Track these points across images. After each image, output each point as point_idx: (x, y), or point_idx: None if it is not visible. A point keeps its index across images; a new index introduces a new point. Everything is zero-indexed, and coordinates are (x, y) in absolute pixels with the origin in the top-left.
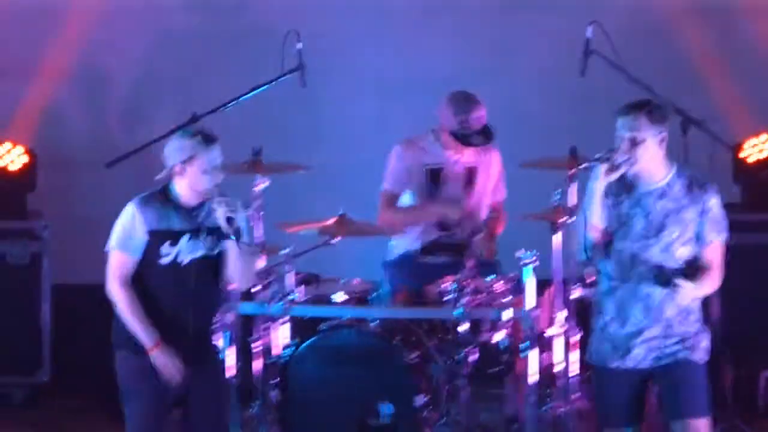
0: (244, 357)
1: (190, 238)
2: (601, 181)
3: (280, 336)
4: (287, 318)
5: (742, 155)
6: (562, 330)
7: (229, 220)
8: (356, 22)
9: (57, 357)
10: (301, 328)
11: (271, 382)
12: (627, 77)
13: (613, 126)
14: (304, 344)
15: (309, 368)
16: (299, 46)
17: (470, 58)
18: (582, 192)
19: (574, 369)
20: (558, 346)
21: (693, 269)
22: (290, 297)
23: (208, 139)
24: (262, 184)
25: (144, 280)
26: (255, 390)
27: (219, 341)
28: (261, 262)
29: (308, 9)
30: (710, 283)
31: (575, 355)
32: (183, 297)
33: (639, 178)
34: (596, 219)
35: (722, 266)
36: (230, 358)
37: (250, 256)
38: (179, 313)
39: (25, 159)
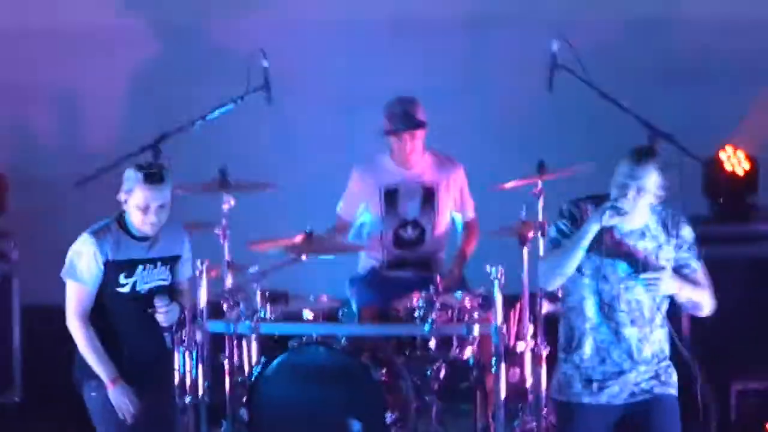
0: (213, 375)
1: (144, 268)
2: (602, 224)
3: (249, 354)
4: (256, 336)
5: (713, 169)
6: (530, 345)
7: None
8: (322, 41)
9: (28, 378)
10: (270, 346)
11: (241, 400)
12: (594, 91)
13: (580, 139)
14: (273, 362)
15: (278, 386)
16: (265, 64)
17: (436, 75)
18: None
19: (544, 384)
20: (527, 361)
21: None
22: (258, 315)
23: (150, 178)
24: (228, 203)
25: (106, 310)
26: (224, 408)
27: (187, 360)
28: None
29: (274, 27)
30: (698, 294)
31: (544, 371)
32: (145, 325)
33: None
34: (577, 262)
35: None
36: (199, 377)
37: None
38: (140, 342)
39: None
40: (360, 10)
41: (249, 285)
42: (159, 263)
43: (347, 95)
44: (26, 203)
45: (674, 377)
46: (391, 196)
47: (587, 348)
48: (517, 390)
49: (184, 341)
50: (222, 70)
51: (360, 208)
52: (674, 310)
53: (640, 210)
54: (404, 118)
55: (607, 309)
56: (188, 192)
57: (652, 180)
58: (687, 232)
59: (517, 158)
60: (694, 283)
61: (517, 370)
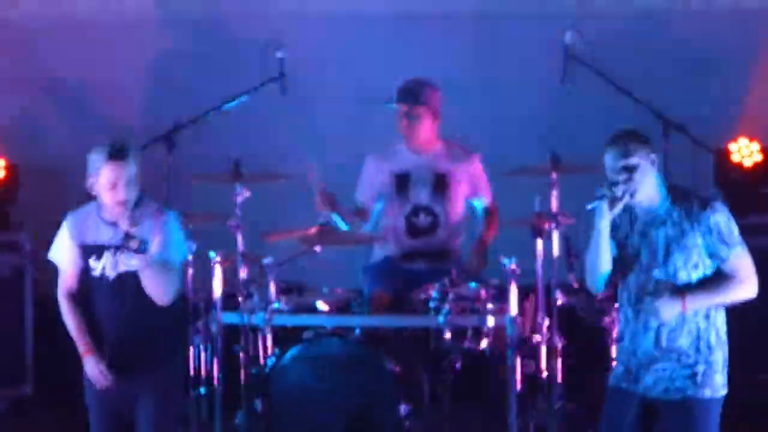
0: (228, 367)
1: (114, 253)
2: (606, 218)
3: (264, 346)
4: (270, 327)
5: (725, 160)
6: (545, 337)
7: (127, 235)
8: (336, 32)
9: (40, 369)
10: (285, 337)
11: (255, 391)
12: (607, 82)
13: (593, 130)
14: (288, 353)
15: (292, 377)
16: (280, 55)
17: (450, 66)
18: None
19: (559, 376)
20: (542, 353)
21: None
22: (273, 306)
23: (114, 153)
24: (242, 194)
25: (86, 293)
26: (239, 399)
27: (201, 351)
28: (168, 277)
29: (289, 19)
30: (720, 297)
31: (559, 362)
32: (111, 311)
33: (640, 208)
34: (606, 255)
35: (750, 275)
36: (214, 368)
37: (152, 270)
38: (105, 327)
39: (7, 171)
40: (374, 2)
41: (263, 276)
42: (128, 249)
43: (361, 86)
44: (38, 195)
45: (716, 379)
46: (402, 182)
47: (626, 338)
48: (531, 382)
49: (198, 332)
50: (237, 60)
51: (376, 195)
52: None
53: (646, 188)
54: (403, 92)
55: (635, 299)
56: (202, 183)
57: (634, 153)
58: (716, 218)
59: (530, 150)
60: (717, 280)
61: (532, 362)
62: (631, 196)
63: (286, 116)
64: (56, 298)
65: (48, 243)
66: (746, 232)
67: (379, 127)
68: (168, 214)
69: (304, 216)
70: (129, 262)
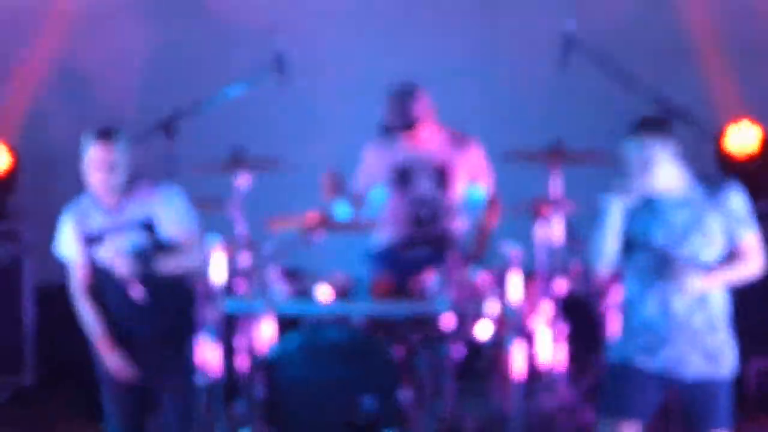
0: (228, 354)
1: (113, 238)
2: (618, 210)
3: (264, 333)
4: (270, 315)
5: (726, 145)
6: (547, 323)
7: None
8: (336, 19)
9: (41, 358)
10: (285, 324)
11: (256, 379)
12: (608, 70)
13: (595, 117)
14: (288, 341)
15: (293, 365)
16: (279, 43)
17: (452, 55)
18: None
19: (561, 362)
20: (544, 339)
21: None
22: (273, 294)
23: (100, 135)
24: (243, 181)
25: (95, 281)
26: (239, 387)
27: (203, 339)
28: (191, 248)
29: (289, 7)
30: (734, 274)
31: (562, 349)
32: (122, 296)
33: (656, 192)
34: (615, 237)
35: (759, 255)
36: (214, 356)
37: (173, 258)
38: (120, 314)
39: (7, 159)
40: None
41: (263, 263)
42: (128, 231)
43: (361, 74)
44: (37, 184)
45: (730, 357)
46: (404, 174)
47: (634, 317)
48: (533, 369)
49: (199, 320)
50: (236, 48)
51: (372, 185)
52: None
53: (665, 177)
54: (400, 116)
55: (648, 278)
56: (203, 171)
57: (652, 148)
58: (735, 201)
59: (532, 137)
60: (733, 257)
61: (534, 350)
62: (645, 188)
63: (285, 104)
64: (55, 287)
65: (47, 232)
66: None
67: (379, 114)
68: (165, 186)
69: (305, 203)
70: (128, 245)
